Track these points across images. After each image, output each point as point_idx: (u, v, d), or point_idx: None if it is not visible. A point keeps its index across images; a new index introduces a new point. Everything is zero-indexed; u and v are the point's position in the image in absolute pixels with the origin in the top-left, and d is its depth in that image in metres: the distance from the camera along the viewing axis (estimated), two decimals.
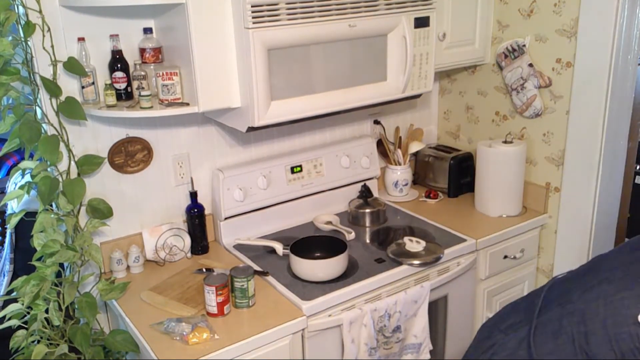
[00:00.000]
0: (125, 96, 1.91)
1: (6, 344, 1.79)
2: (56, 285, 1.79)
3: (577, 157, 2.26)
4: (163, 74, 1.83)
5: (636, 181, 3.36)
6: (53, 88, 1.76)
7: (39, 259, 1.74)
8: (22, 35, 1.70)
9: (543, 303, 1.11)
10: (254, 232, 2.30)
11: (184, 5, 1.72)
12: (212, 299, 1.78)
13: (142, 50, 1.93)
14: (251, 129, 1.88)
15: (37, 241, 1.75)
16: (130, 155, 2.07)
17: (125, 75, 1.89)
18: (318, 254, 2.05)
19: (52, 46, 1.77)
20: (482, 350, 1.17)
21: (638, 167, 3.38)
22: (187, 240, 2.19)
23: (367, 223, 2.39)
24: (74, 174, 1.88)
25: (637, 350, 0.94)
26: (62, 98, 1.79)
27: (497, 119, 2.57)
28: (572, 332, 1.02)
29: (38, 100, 1.80)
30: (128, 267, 2.09)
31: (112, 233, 2.10)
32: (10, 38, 1.64)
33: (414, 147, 2.62)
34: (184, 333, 1.68)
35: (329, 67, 1.95)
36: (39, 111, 1.82)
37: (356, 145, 2.51)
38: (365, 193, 2.46)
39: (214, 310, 1.79)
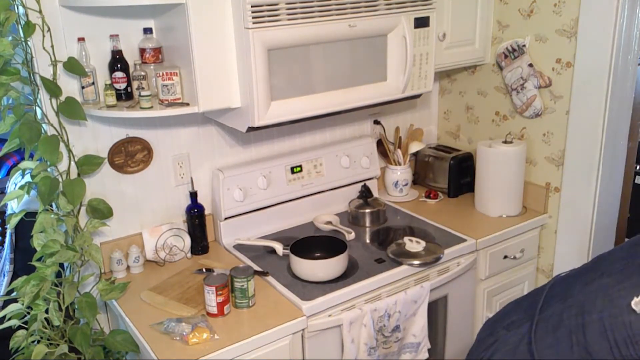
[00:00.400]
0: (125, 96, 1.91)
1: (6, 344, 1.79)
2: (56, 285, 1.79)
3: (577, 157, 2.26)
4: (163, 74, 1.83)
5: (636, 181, 3.36)
6: (53, 88, 1.76)
7: (39, 259, 1.74)
8: (22, 35, 1.70)
9: (545, 300, 1.11)
10: (254, 232, 2.30)
11: (184, 5, 1.72)
12: (212, 299, 1.77)
13: (142, 51, 1.93)
14: (251, 129, 1.88)
15: (37, 241, 1.75)
16: (130, 155, 2.07)
17: (125, 75, 1.89)
18: (318, 254, 2.05)
19: (52, 46, 1.77)
20: (484, 347, 1.17)
21: (638, 167, 3.38)
22: (187, 240, 2.19)
23: (367, 223, 2.38)
24: (74, 174, 1.88)
25: (629, 339, 0.94)
26: (62, 98, 1.79)
27: (497, 119, 2.57)
28: (570, 325, 1.02)
29: (38, 101, 1.80)
30: (128, 267, 2.09)
31: (112, 233, 2.10)
32: (10, 38, 1.64)
33: (414, 147, 2.62)
34: (184, 333, 1.68)
35: (329, 67, 1.95)
36: (39, 111, 1.82)
37: (356, 145, 2.51)
38: (365, 193, 2.46)
39: (214, 310, 1.79)
